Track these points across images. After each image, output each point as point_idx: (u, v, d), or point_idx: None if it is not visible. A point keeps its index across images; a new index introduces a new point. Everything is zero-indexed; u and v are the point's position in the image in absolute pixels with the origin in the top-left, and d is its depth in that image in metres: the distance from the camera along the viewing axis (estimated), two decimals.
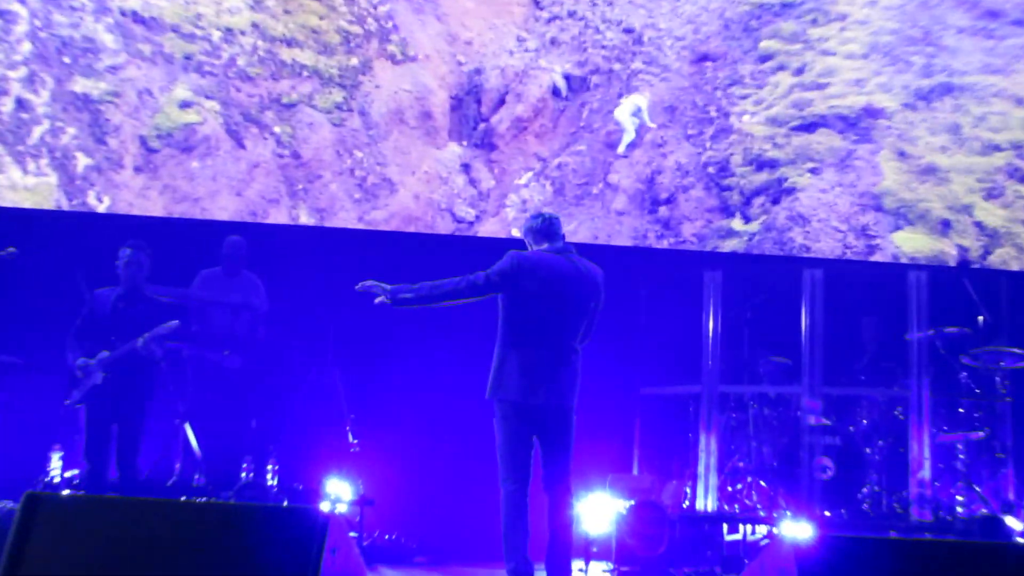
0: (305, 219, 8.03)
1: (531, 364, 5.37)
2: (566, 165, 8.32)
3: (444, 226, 8.11)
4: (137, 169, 7.84)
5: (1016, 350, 7.70)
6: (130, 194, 7.86)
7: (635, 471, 8.36)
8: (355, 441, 7.65)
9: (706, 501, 7.63)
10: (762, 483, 7.70)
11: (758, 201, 8.35)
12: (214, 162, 7.90)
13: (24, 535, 3.53)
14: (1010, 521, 7.08)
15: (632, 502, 7.09)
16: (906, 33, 8.09)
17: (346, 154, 8.03)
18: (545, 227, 5.60)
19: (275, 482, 7.61)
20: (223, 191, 7.96)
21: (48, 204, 7.84)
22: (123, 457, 6.57)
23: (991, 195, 8.31)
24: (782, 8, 8.16)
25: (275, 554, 3.44)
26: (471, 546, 7.71)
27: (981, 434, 7.70)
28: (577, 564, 6.52)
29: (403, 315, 5.85)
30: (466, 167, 8.19)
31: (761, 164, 8.34)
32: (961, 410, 7.80)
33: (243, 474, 7.53)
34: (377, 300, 5.31)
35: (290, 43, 7.84)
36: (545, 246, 5.55)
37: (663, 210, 8.38)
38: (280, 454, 7.74)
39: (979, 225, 8.28)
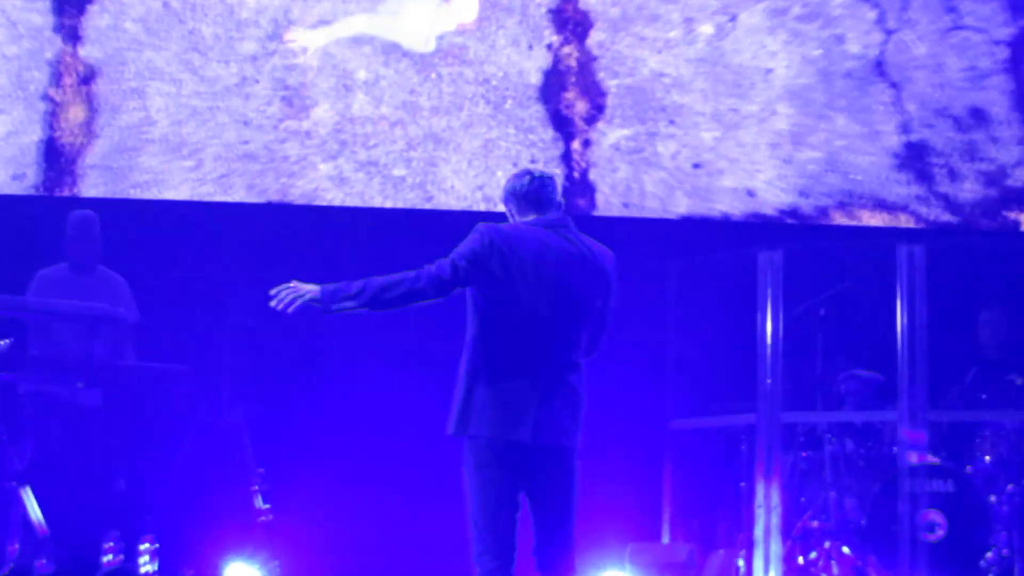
0: None
1: (514, 387, 5.31)
2: None
3: None
4: None
5: None
6: None
7: (665, 538, 8.47)
8: (266, 506, 7.77)
9: None
10: (845, 550, 7.82)
11: None
12: None
13: None
14: None
15: None
16: None
17: None
18: (535, 190, 5.54)
19: (152, 568, 7.67)
20: None
21: None
22: None
23: None
24: None
25: None
26: None
27: None
28: None
29: (330, 322, 5.85)
30: None
31: None
32: None
33: (106, 557, 7.51)
34: (291, 309, 5.27)
35: None
36: (532, 218, 5.50)
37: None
38: (159, 528, 7.80)
39: None
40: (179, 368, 7.94)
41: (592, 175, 8.33)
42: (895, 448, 7.94)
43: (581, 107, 8.36)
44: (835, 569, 7.77)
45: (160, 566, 7.68)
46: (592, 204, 8.24)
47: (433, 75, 8.40)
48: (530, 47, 8.33)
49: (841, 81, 8.41)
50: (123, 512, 7.72)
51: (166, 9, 8.10)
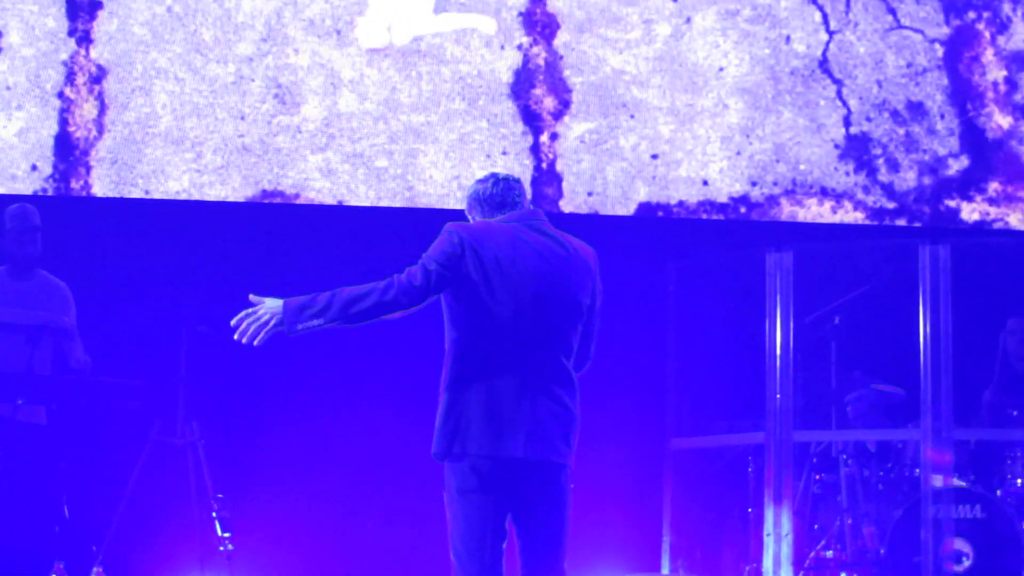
0: None
1: (500, 398, 5.19)
2: None
3: None
4: None
5: None
6: None
7: (664, 569, 8.47)
8: (226, 535, 7.73)
9: None
10: None
11: None
12: None
13: None
14: None
15: None
16: None
17: None
18: (500, 192, 5.53)
19: None
20: None
21: None
22: None
23: None
24: None
25: None
26: None
27: None
28: None
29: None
30: None
31: None
32: None
33: None
34: (256, 341, 5.21)
35: None
36: (501, 217, 5.50)
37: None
38: (110, 559, 7.87)
39: None
40: (131, 383, 7.83)
41: (559, 166, 9.10)
42: (917, 470, 7.88)
43: (549, 103, 9.18)
44: None
45: None
46: (559, 193, 9.04)
47: (413, 73, 9.07)
48: (502, 47, 9.07)
49: (788, 78, 9.16)
50: (69, 541, 7.63)
51: (169, 13, 8.88)
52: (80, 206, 8.65)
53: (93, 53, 8.90)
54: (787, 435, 7.86)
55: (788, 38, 9.11)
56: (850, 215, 9.10)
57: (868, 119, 9.08)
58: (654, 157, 8.99)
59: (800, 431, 7.93)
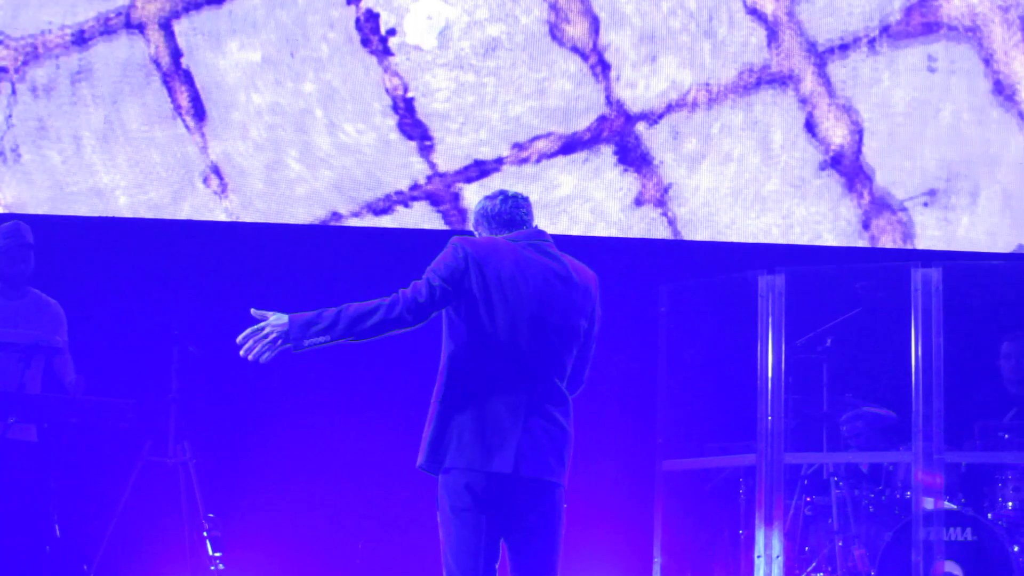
0: None
1: (493, 414, 5.22)
2: None
3: None
4: None
5: None
6: None
7: None
8: (217, 555, 7.77)
9: None
10: None
11: None
12: None
13: None
14: None
15: None
16: None
17: None
18: (508, 210, 5.56)
19: None
20: None
21: None
22: None
23: None
24: None
25: None
26: None
27: None
28: None
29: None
30: None
31: None
32: None
33: None
34: (263, 359, 5.20)
35: None
36: (507, 235, 5.51)
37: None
38: None
39: None
40: (122, 402, 7.80)
41: None
42: (908, 492, 7.82)
43: None
44: None
45: None
46: None
47: None
48: None
49: None
50: (60, 560, 7.59)
51: None
52: (73, 225, 8.58)
53: None
54: (778, 457, 7.77)
55: None
56: None
57: None
58: None
59: (791, 453, 7.83)
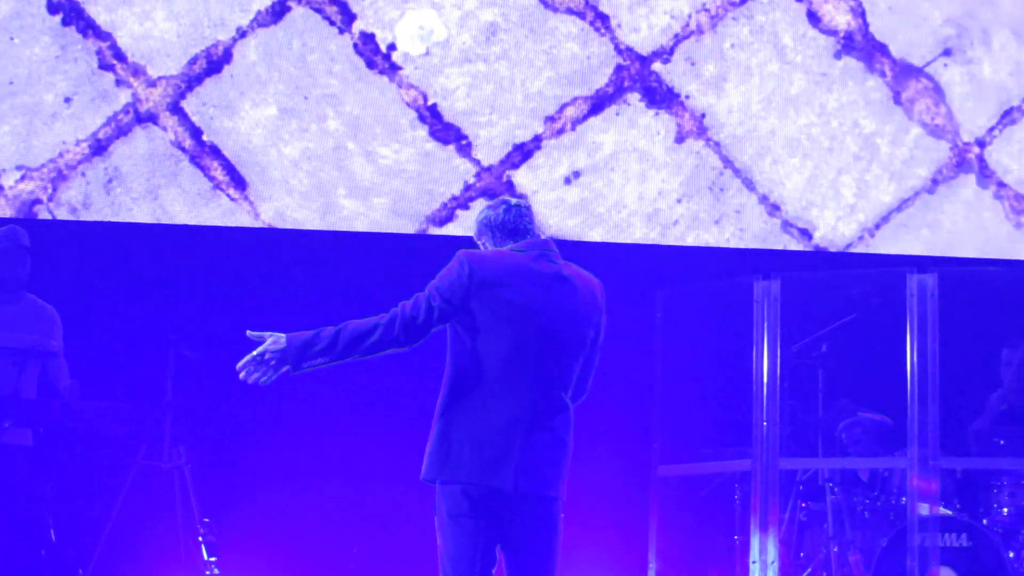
0: None
1: (494, 427, 5.19)
2: None
3: None
4: None
5: None
6: None
7: None
8: (212, 560, 7.76)
9: None
10: None
11: None
12: None
13: None
14: None
15: None
16: None
17: None
18: (512, 219, 5.53)
19: None
20: None
21: None
22: None
23: None
24: None
25: None
26: None
27: None
28: None
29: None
30: None
31: None
32: None
33: None
34: (263, 381, 5.21)
35: None
36: (511, 246, 5.49)
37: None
38: None
39: None
40: (117, 406, 7.88)
41: None
42: (903, 498, 7.83)
43: None
44: None
45: None
46: None
47: None
48: None
49: None
50: (56, 564, 7.60)
51: None
52: (69, 229, 8.59)
53: None
54: (773, 463, 7.76)
55: None
56: None
57: None
58: None
59: (786, 459, 7.86)
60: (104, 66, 8.67)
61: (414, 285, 5.18)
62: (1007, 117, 9.12)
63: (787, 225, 8.99)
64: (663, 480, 8.40)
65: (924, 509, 7.56)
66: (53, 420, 7.61)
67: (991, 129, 9.05)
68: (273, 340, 5.14)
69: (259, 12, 8.77)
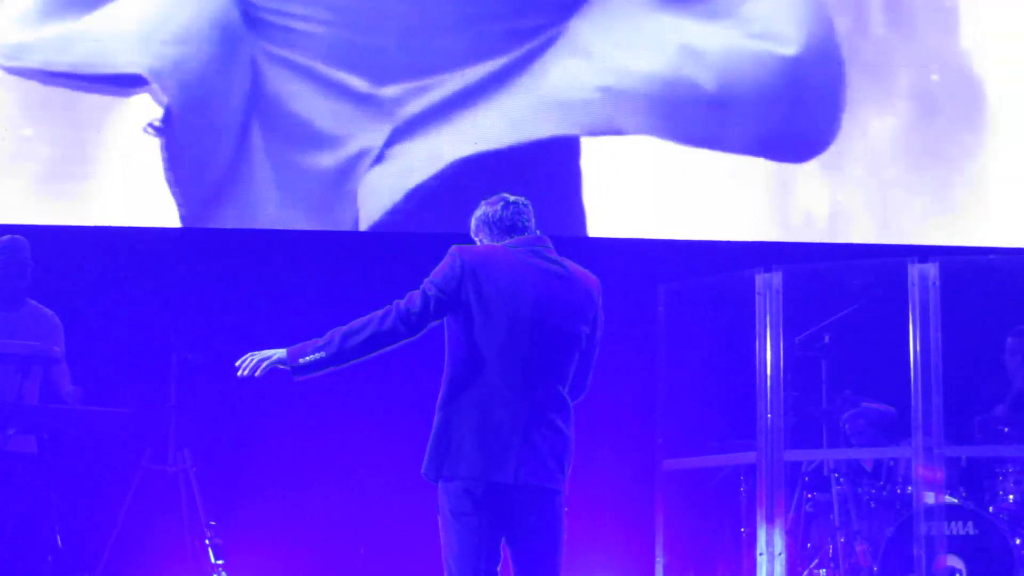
0: None
1: (494, 422, 5.19)
2: None
3: None
4: None
5: None
6: None
7: None
8: (219, 563, 7.74)
9: None
10: None
11: None
12: None
13: None
14: None
15: None
16: None
17: None
18: (510, 216, 5.52)
19: None
20: None
21: None
22: None
23: None
24: None
25: None
26: None
27: None
28: None
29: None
30: None
31: None
32: None
33: None
34: (258, 373, 5.24)
35: None
36: (508, 242, 5.49)
37: None
38: None
39: None
40: (121, 411, 7.81)
41: None
42: (909, 487, 7.85)
43: None
44: None
45: None
46: None
47: None
48: None
49: None
50: (62, 570, 7.57)
51: None
52: (70, 235, 8.60)
53: None
54: (778, 454, 7.77)
55: None
56: None
57: None
58: None
59: (791, 450, 7.85)
60: None
61: (414, 285, 5.17)
62: None
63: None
64: (668, 474, 8.40)
65: (930, 498, 7.60)
66: (57, 426, 7.59)
67: None
68: (273, 350, 5.20)
69: None
